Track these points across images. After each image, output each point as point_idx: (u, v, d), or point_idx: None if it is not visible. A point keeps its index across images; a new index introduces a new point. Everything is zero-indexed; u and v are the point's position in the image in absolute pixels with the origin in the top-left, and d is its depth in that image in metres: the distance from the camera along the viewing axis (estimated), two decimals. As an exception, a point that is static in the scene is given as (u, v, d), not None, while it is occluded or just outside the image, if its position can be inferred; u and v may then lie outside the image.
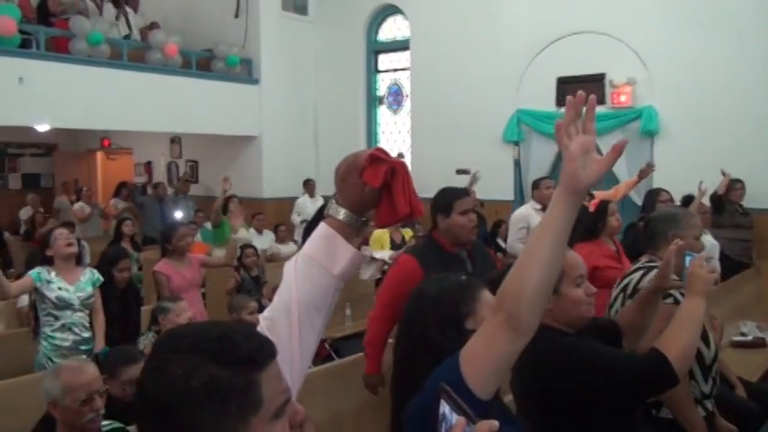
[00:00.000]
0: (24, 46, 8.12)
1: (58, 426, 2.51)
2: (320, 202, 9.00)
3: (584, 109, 1.32)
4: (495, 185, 8.73)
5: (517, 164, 9.18)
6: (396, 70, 10.90)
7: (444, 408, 1.06)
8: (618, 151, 1.29)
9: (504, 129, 9.17)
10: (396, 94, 10.94)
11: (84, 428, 2.51)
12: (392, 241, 6.39)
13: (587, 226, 4.06)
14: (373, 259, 6.33)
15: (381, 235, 6.43)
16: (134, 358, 3.20)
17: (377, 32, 10.98)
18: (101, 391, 2.58)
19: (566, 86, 8.40)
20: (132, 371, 3.09)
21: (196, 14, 10.94)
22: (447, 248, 3.17)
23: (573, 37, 8.59)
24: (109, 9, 9.78)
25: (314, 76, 11.20)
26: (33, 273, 4.06)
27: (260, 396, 0.93)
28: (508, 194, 9.14)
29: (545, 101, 8.71)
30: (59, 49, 8.60)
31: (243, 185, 10.01)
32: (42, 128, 9.85)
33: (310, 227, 7.32)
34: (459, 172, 9.05)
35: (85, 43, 8.51)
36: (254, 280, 6.28)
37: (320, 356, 6.01)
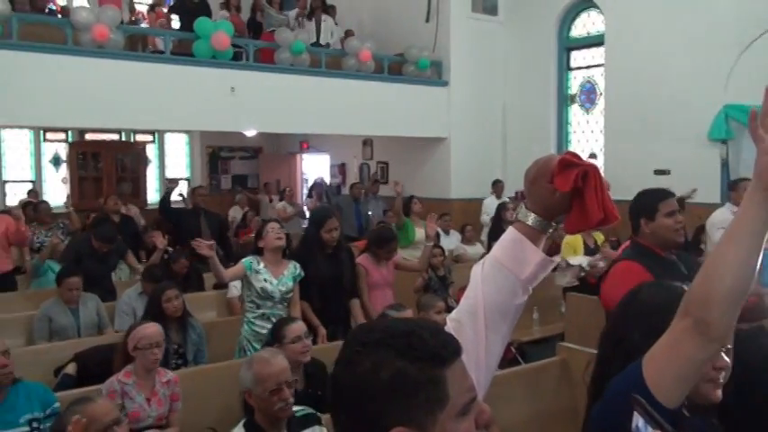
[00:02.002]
0: (236, 58, 8.89)
1: (256, 412, 2.71)
2: (509, 202, 8.88)
3: None
4: (698, 188, 8.08)
5: (725, 164, 8.43)
6: (589, 67, 10.48)
7: (638, 421, 1.01)
8: None
9: (709, 126, 8.45)
10: (589, 92, 10.52)
11: (276, 416, 2.69)
12: (585, 245, 6.12)
13: None
14: (569, 265, 6.10)
15: (574, 239, 6.18)
16: (292, 319, 3.80)
17: (569, 29, 10.64)
18: (289, 381, 2.74)
19: (784, 78, 7.57)
20: (295, 328, 3.57)
21: (389, 20, 11.30)
22: (658, 253, 2.99)
23: (794, 22, 7.73)
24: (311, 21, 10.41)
25: (503, 77, 11.10)
26: (246, 261, 4.39)
27: (446, 392, 0.95)
28: (714, 197, 8.41)
29: (759, 94, 7.81)
30: (266, 59, 9.32)
31: (431, 186, 10.20)
32: (250, 133, 10.75)
33: (493, 229, 7.30)
34: (658, 173, 8.52)
35: (289, 53, 9.13)
36: (441, 280, 6.35)
37: (506, 359, 5.94)
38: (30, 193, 10.02)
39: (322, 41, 10.20)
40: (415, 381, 0.94)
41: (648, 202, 3.02)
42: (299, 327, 3.62)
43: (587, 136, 10.57)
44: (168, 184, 7.70)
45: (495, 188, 9.75)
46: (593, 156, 10.39)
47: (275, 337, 3.60)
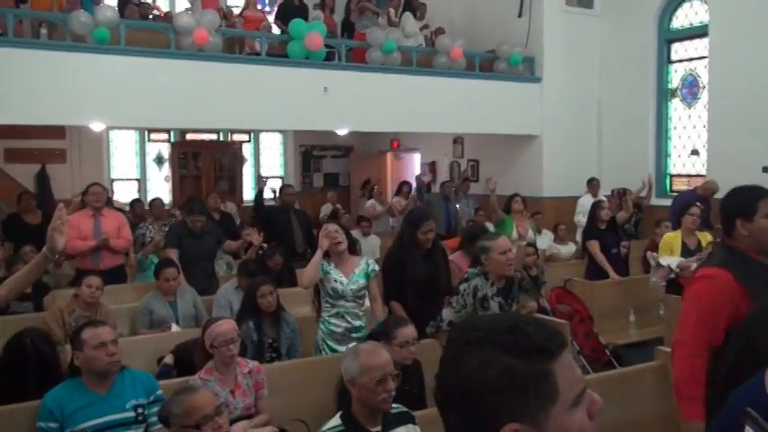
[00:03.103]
0: (329, 58, 9.04)
1: (354, 402, 2.75)
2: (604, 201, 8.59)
3: None
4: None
5: (843, 160, 7.88)
6: (691, 59, 10.01)
7: (749, 434, 0.95)
8: None
9: (825, 120, 7.92)
10: (691, 86, 10.05)
11: (377, 407, 2.72)
12: (684, 246, 5.84)
13: None
14: (659, 265, 5.86)
15: (673, 239, 5.91)
16: (404, 321, 3.73)
17: (670, 20, 10.20)
18: (393, 374, 2.77)
19: None
20: (406, 332, 3.55)
21: (480, 16, 11.20)
22: (753, 257, 2.67)
23: None
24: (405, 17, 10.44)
25: (598, 71, 10.78)
26: None
27: (556, 385, 0.94)
28: (830, 196, 7.87)
29: None
30: (357, 59, 9.43)
31: (522, 184, 10.02)
32: (342, 132, 10.89)
33: (588, 229, 7.08)
34: (767, 170, 8.07)
35: (380, 52, 9.20)
36: (534, 279, 6.24)
37: (600, 363, 5.78)
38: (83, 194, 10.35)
39: (414, 41, 10.19)
40: (523, 376, 0.93)
41: (746, 200, 2.71)
42: (410, 332, 3.60)
43: (689, 132, 10.10)
44: (259, 183, 7.97)
45: (591, 186, 9.48)
46: (694, 152, 9.94)
47: (383, 333, 3.62)
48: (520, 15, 10.52)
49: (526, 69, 10.47)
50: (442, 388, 1.00)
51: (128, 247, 6.64)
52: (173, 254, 5.99)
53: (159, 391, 3.25)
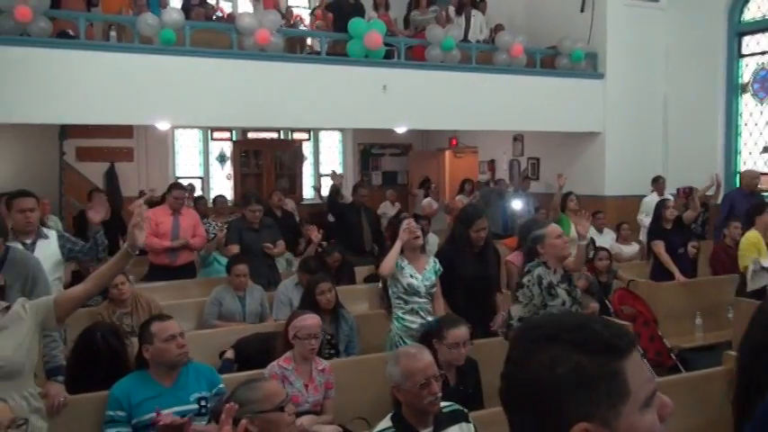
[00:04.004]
0: (388, 57, 9.06)
1: (403, 406, 2.75)
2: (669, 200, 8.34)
3: None
4: None
5: None
6: (764, 53, 9.62)
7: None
8: None
9: None
10: (763, 81, 9.65)
11: (425, 410, 2.71)
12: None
13: None
14: (763, 268, 5.61)
15: (757, 239, 5.67)
16: (457, 322, 3.68)
17: (741, 12, 9.82)
18: (437, 375, 2.75)
19: None
20: (457, 333, 3.55)
21: (541, 12, 11.02)
22: None
23: None
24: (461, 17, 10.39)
25: (664, 67, 10.46)
26: None
27: (627, 384, 0.92)
28: None
29: None
30: (417, 57, 9.41)
31: (583, 183, 9.83)
32: (400, 130, 10.91)
33: (653, 228, 6.88)
34: None
35: (439, 50, 9.16)
36: (601, 284, 6.11)
37: (665, 366, 5.62)
38: (141, 193, 10.43)
39: (471, 37, 10.13)
40: (594, 374, 0.91)
41: None
42: (462, 334, 3.61)
43: (761, 128, 9.72)
44: (336, 180, 8.16)
45: (656, 185, 9.21)
46: (767, 149, 9.55)
47: (437, 331, 3.64)
48: (582, 10, 10.31)
49: (588, 65, 10.26)
50: (508, 386, 0.99)
51: (204, 245, 6.80)
52: (235, 249, 6.15)
53: (222, 385, 3.33)
